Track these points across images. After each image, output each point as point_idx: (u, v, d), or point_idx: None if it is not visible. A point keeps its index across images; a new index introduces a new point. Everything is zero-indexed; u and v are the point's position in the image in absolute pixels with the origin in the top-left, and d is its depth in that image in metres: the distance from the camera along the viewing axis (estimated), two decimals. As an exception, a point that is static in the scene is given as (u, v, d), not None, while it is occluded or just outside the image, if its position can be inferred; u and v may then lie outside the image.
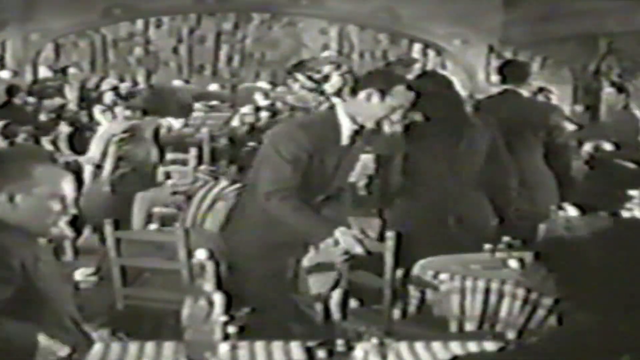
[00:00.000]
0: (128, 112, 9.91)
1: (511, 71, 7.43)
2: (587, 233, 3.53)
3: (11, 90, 10.94)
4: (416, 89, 5.78)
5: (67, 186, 3.48)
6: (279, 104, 11.78)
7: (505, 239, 5.50)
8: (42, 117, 10.68)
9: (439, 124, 6.01)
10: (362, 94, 5.30)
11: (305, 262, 5.31)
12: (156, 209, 7.31)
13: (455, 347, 3.58)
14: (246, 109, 11.18)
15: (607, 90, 10.21)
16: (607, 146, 9.69)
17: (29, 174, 3.42)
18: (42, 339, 3.09)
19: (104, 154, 8.39)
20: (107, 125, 9.54)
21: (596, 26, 11.15)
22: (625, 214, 6.79)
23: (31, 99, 11.15)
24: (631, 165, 8.89)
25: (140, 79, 16.61)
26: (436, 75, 7.75)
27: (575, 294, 3.35)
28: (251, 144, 8.81)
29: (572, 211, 6.42)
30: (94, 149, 8.38)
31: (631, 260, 3.14)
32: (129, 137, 8.15)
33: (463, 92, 8.13)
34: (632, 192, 6.98)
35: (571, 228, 5.59)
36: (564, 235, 5.27)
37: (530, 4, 12.24)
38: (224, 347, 3.32)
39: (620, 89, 9.98)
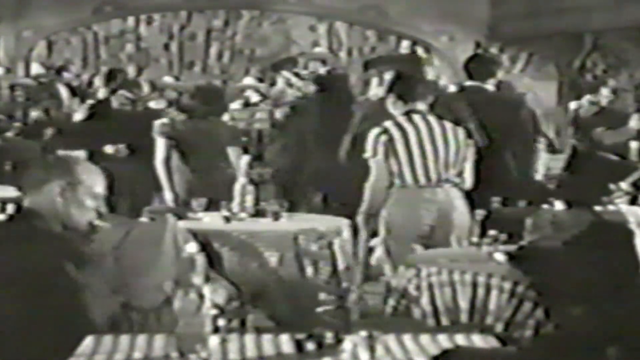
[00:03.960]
0: None
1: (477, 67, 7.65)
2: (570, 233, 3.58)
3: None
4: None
5: (100, 185, 3.63)
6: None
7: (492, 232, 5.56)
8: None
9: None
10: None
11: None
12: None
13: (444, 340, 3.61)
14: (236, 105, 11.19)
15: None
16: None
17: (72, 171, 3.56)
18: None
19: None
20: None
21: (581, 22, 11.18)
22: (610, 207, 6.87)
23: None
24: (615, 158, 8.96)
25: (132, 75, 16.60)
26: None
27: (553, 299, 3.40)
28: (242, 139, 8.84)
29: (558, 205, 6.50)
30: None
31: (605, 261, 3.20)
32: None
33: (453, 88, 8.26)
34: (621, 185, 7.07)
35: (557, 223, 5.66)
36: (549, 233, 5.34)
37: (516, 0, 12.28)
38: (214, 340, 3.36)
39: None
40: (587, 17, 10.98)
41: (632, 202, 6.98)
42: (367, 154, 6.46)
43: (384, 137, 6.38)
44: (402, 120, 6.46)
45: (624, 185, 7.05)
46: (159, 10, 16.04)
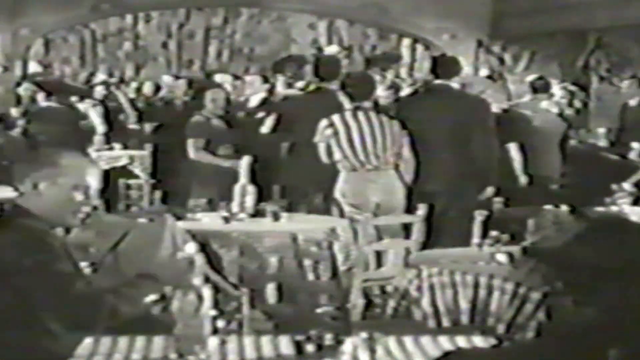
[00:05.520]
0: None
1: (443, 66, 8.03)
2: (573, 232, 3.54)
3: None
4: None
5: (93, 178, 3.51)
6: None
7: (494, 233, 5.53)
8: None
9: None
10: None
11: None
12: None
13: (445, 342, 3.58)
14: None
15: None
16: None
17: (55, 163, 3.47)
18: None
19: None
20: None
21: (585, 20, 11.16)
22: (613, 208, 6.83)
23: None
24: (616, 158, 8.94)
25: (130, 73, 16.58)
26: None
27: (562, 291, 3.36)
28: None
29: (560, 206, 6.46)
30: None
31: (616, 258, 3.16)
32: None
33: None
34: (624, 185, 7.03)
35: (559, 223, 5.63)
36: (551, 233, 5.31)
37: (519, -2, 12.28)
38: (213, 341, 3.32)
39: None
40: (591, 14, 10.97)
41: (635, 202, 6.94)
42: (315, 138, 7.43)
43: (329, 130, 7.35)
44: (347, 115, 7.42)
45: (627, 185, 7.01)
46: (157, 8, 16.03)
